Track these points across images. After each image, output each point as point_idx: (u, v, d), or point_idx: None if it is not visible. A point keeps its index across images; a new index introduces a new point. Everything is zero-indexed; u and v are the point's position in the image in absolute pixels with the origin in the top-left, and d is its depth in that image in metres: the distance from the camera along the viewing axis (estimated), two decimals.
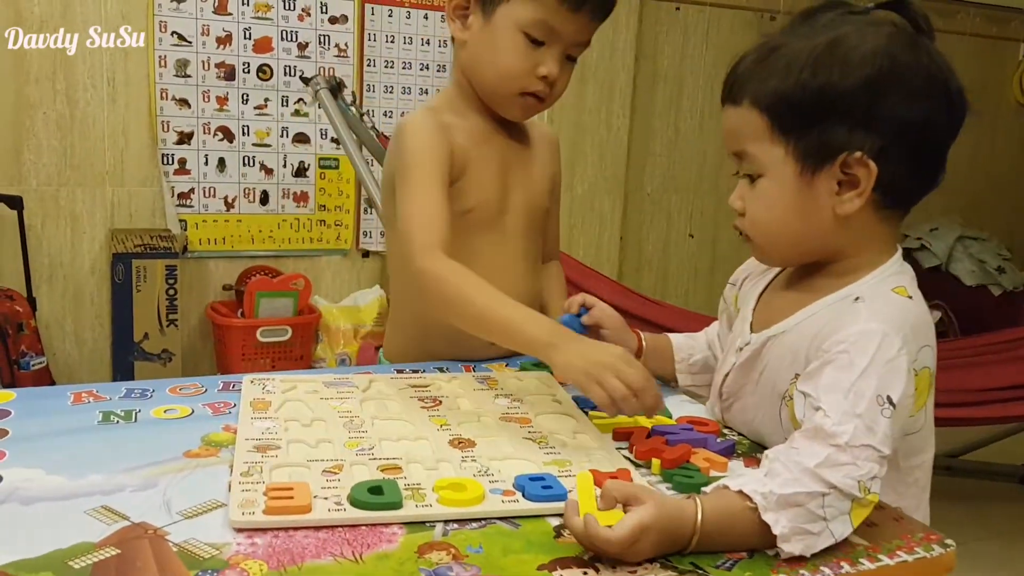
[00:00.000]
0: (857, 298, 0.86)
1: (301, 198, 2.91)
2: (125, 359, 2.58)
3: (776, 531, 0.70)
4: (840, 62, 0.83)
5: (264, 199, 2.87)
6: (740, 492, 0.72)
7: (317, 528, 0.72)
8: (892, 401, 0.76)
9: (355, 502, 0.74)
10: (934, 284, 3.65)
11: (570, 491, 0.76)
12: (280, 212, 2.89)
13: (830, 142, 0.84)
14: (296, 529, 0.71)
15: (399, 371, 1.15)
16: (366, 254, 3.03)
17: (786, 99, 0.84)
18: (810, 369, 0.82)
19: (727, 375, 0.99)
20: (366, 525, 0.72)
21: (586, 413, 1.00)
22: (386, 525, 0.73)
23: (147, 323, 2.59)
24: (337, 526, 0.72)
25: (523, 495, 0.77)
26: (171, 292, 2.59)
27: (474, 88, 1.20)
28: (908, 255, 3.74)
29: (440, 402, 1.02)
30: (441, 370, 1.16)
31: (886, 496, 0.83)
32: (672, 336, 1.18)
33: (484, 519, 0.74)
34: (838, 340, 0.80)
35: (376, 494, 0.74)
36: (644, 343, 1.15)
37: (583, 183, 3.29)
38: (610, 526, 0.68)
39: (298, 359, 2.77)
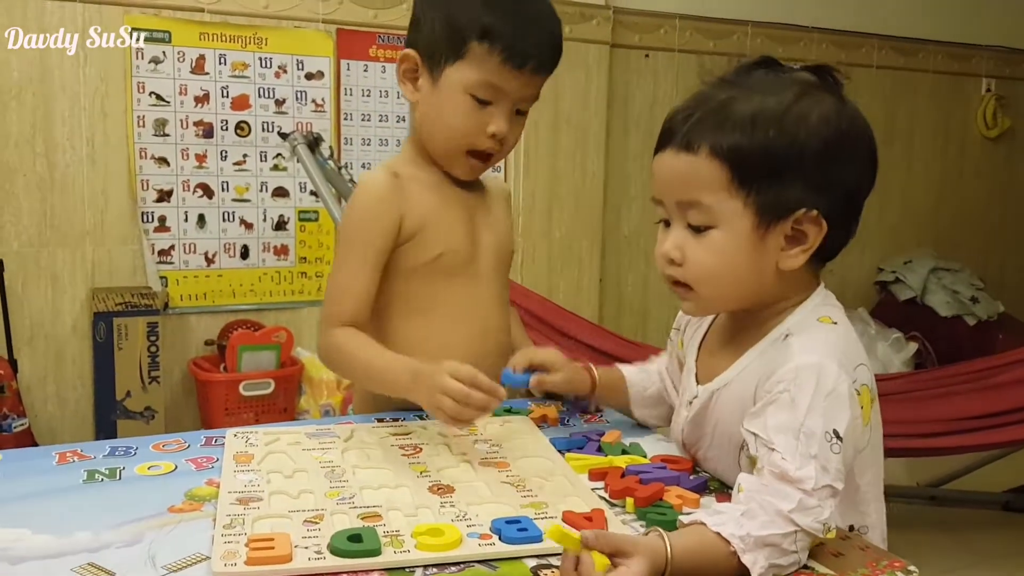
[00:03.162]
0: (787, 335, 0.89)
1: (281, 251, 2.93)
2: (108, 418, 2.57)
3: (755, 572, 0.74)
4: (804, 123, 0.86)
5: (245, 253, 2.89)
6: (719, 535, 0.75)
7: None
8: (839, 435, 0.80)
9: (335, 550, 0.76)
10: (910, 316, 3.71)
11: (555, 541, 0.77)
12: (261, 266, 2.91)
13: (787, 199, 0.86)
14: None
15: (379, 420, 1.17)
16: None
17: (752, 153, 0.86)
18: (755, 409, 0.85)
19: (683, 429, 1.01)
20: (346, 573, 0.74)
21: (562, 454, 1.03)
22: (367, 572, 0.74)
23: (129, 381, 2.59)
24: (319, 575, 0.74)
25: (500, 538, 0.79)
26: (153, 349, 2.60)
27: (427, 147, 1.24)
28: (884, 288, 3.80)
29: (420, 449, 1.04)
30: (421, 417, 1.17)
31: (851, 516, 0.89)
32: (624, 368, 1.20)
33: (463, 563, 0.76)
34: (777, 380, 0.84)
35: (355, 542, 0.76)
36: (597, 378, 1.18)
37: (560, 228, 3.33)
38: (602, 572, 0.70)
39: (282, 411, 2.77)
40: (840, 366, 0.83)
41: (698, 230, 0.89)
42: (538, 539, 0.78)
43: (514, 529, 0.79)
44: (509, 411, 1.19)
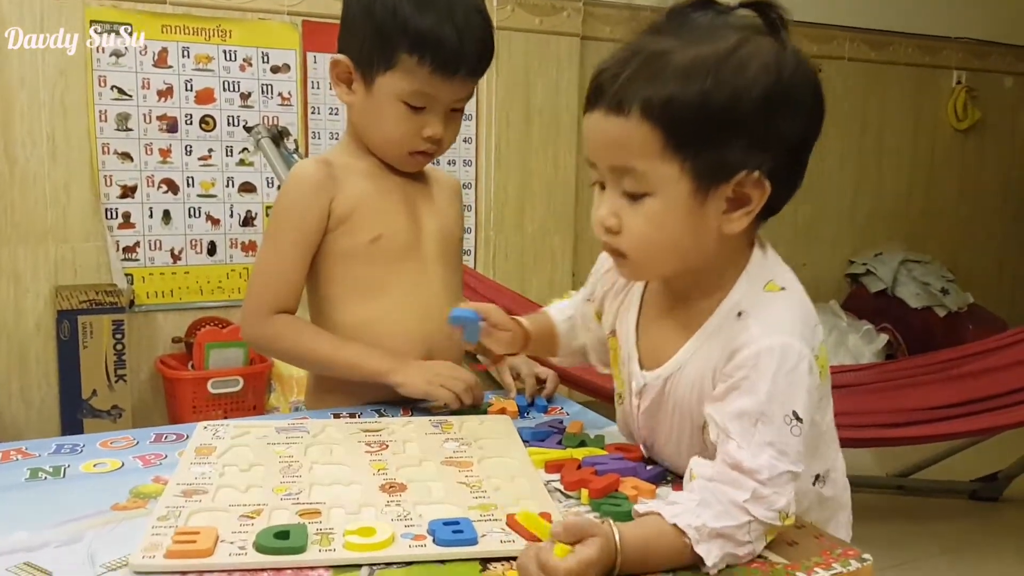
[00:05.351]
0: (740, 313, 0.84)
1: (249, 247, 2.89)
2: (74, 417, 2.53)
3: (709, 562, 0.73)
4: (743, 74, 0.78)
5: (212, 250, 2.85)
6: (675, 527, 0.74)
7: (243, 572, 0.72)
8: (799, 416, 0.78)
9: (259, 547, 0.74)
10: (881, 308, 3.73)
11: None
12: (228, 262, 2.88)
13: (727, 160, 0.79)
14: (224, 572, 0.71)
15: (352, 415, 1.15)
16: None
17: (686, 110, 0.78)
18: (716, 393, 0.82)
19: (638, 420, 0.96)
20: (269, 570, 0.72)
21: (526, 444, 1.02)
22: (312, 568, 0.73)
23: (95, 379, 2.55)
24: (241, 571, 0.72)
25: (434, 540, 0.77)
26: (119, 347, 2.56)
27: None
28: (855, 281, 3.83)
29: (387, 446, 1.01)
30: (378, 412, 1.16)
31: (816, 462, 0.90)
32: (552, 316, 1.14)
33: (387, 564, 0.74)
34: (738, 364, 0.80)
35: (282, 539, 0.74)
36: (530, 331, 1.12)
37: (533, 222, 3.32)
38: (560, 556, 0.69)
39: (251, 409, 2.74)
40: (802, 339, 0.80)
41: (633, 197, 0.82)
42: (473, 542, 0.76)
43: (449, 531, 0.77)
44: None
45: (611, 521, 0.74)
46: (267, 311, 1.20)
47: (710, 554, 0.73)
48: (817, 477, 0.92)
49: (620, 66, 0.81)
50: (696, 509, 0.75)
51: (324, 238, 1.21)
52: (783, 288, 0.85)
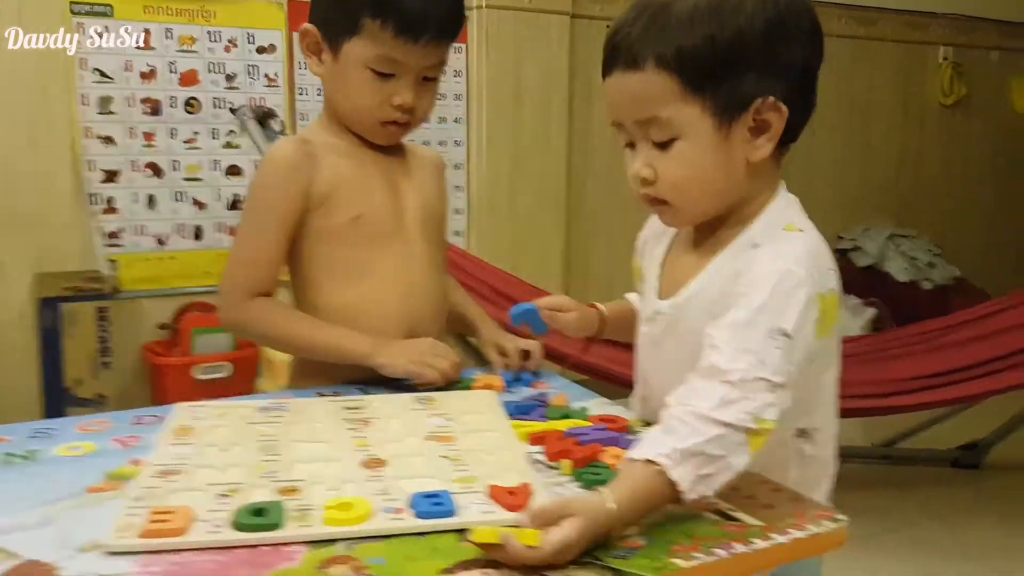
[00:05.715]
0: (755, 245, 0.88)
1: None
2: (57, 406, 2.51)
3: (683, 486, 0.73)
4: (742, 12, 0.84)
5: (198, 234, 2.83)
6: (646, 461, 0.74)
7: (219, 550, 0.71)
8: (786, 333, 0.79)
9: (235, 524, 0.73)
10: (869, 282, 3.74)
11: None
12: (216, 247, 2.85)
13: (743, 91, 0.85)
14: (200, 551, 0.71)
15: (320, 394, 1.14)
16: None
17: (696, 55, 0.84)
18: (716, 315, 0.84)
19: (641, 350, 0.99)
20: (245, 546, 0.71)
21: (510, 417, 1.01)
22: (287, 544, 0.72)
23: (79, 368, 2.53)
24: (224, 548, 0.71)
25: (413, 512, 0.76)
26: (103, 335, 2.54)
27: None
28: (844, 256, 3.83)
29: (369, 423, 1.00)
30: (363, 391, 1.15)
31: (804, 416, 0.89)
32: (631, 298, 1.18)
33: (366, 538, 0.73)
34: (739, 285, 0.83)
35: (259, 516, 0.73)
36: (605, 313, 1.18)
37: (525, 203, 3.30)
38: (530, 546, 0.67)
39: (239, 395, 2.72)
40: (807, 271, 0.82)
41: (663, 145, 0.88)
42: (451, 513, 0.75)
43: (429, 503, 0.76)
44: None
45: (603, 490, 0.73)
46: (245, 295, 1.19)
47: (683, 479, 0.73)
48: (802, 432, 0.91)
49: (629, 25, 0.87)
50: (661, 437, 0.75)
51: (303, 219, 1.19)
52: (801, 231, 0.89)
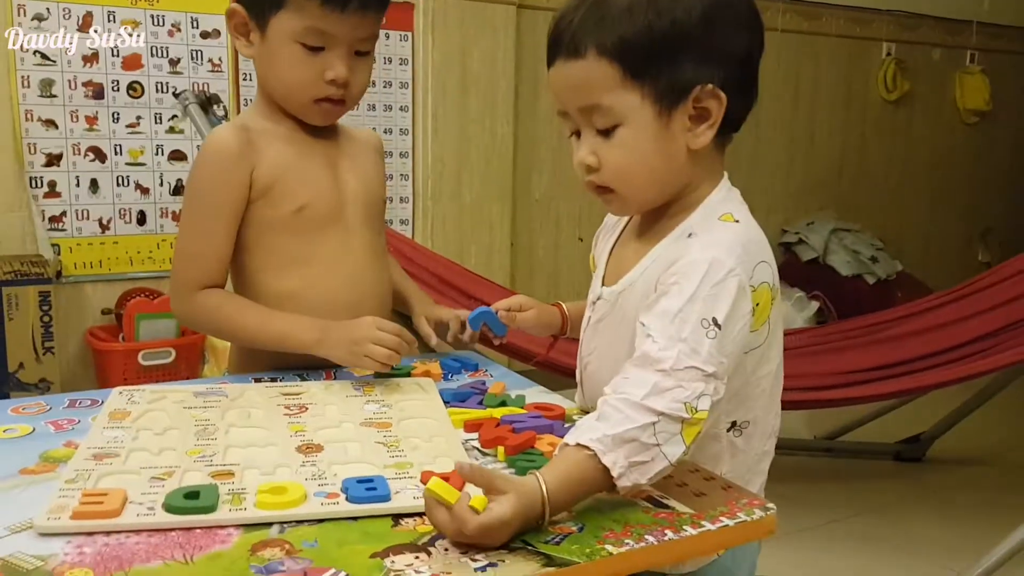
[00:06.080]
0: (690, 234, 0.90)
1: (180, 217, 2.84)
2: (1, 390, 2.47)
3: (615, 472, 0.74)
4: (679, 1, 0.86)
5: (142, 219, 2.80)
6: (577, 445, 0.75)
7: (151, 533, 0.71)
8: (717, 322, 0.80)
9: (168, 507, 0.74)
10: (812, 276, 3.81)
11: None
12: (159, 232, 2.82)
13: (682, 79, 0.86)
14: (132, 533, 0.71)
15: (257, 380, 1.14)
16: None
17: (636, 43, 0.86)
18: (648, 302, 0.86)
19: (583, 334, 1.01)
20: (178, 529, 0.72)
21: (447, 404, 1.02)
22: (222, 527, 0.72)
23: (22, 352, 2.49)
24: (156, 530, 0.72)
25: (346, 497, 0.77)
26: (46, 319, 2.50)
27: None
28: (788, 249, 3.88)
29: (306, 409, 1.01)
30: (301, 377, 1.16)
31: (738, 409, 0.89)
32: None
33: (300, 521, 0.74)
34: (671, 273, 0.84)
35: (192, 499, 0.74)
36: (568, 312, 1.19)
37: (471, 191, 3.30)
38: (476, 510, 0.68)
39: (184, 381, 2.70)
40: (737, 261, 0.83)
41: (606, 132, 0.89)
42: (386, 499, 0.76)
43: (363, 488, 0.77)
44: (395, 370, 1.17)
45: (536, 473, 0.74)
46: (193, 288, 1.17)
47: (616, 464, 0.74)
48: (734, 424, 0.92)
49: (571, 14, 0.89)
50: (595, 424, 0.76)
51: (246, 208, 1.18)
52: (737, 221, 0.90)
